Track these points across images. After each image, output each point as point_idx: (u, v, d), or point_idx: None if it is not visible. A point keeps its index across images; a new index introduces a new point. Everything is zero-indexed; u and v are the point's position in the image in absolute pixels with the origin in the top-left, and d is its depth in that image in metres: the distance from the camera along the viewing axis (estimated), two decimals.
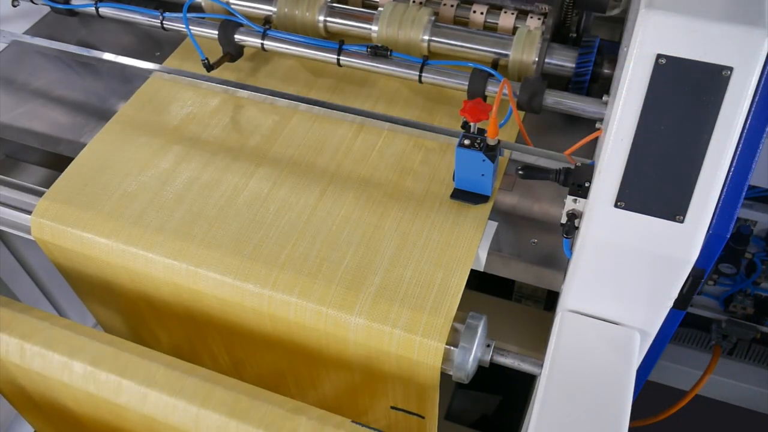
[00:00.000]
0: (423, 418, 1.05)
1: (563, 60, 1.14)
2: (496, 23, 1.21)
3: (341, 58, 1.19)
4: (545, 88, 1.09)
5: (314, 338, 0.97)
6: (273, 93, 1.20)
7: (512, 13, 1.20)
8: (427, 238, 0.99)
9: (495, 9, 1.21)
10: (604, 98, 1.06)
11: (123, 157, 1.13)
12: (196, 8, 1.32)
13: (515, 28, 1.19)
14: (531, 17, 1.18)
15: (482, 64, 1.13)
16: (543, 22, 1.16)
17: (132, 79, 1.28)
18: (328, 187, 1.07)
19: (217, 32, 1.24)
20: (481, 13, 1.21)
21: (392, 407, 1.06)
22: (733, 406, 1.95)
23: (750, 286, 1.64)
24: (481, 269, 1.00)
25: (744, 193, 0.78)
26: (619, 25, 1.24)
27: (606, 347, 0.86)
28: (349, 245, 0.99)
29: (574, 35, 1.19)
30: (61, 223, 1.05)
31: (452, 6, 1.23)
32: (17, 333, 1.01)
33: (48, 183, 1.10)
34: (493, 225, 1.01)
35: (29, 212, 1.07)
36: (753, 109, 0.72)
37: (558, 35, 1.18)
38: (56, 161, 1.20)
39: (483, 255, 0.99)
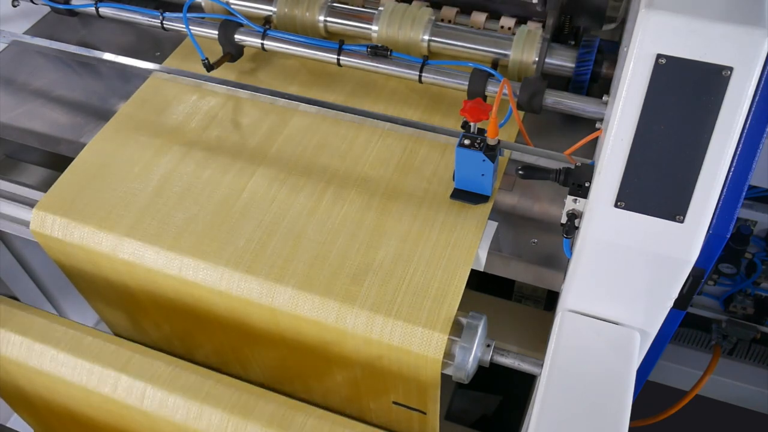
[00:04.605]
0: (425, 413, 1.05)
1: (563, 60, 1.14)
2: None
3: (341, 58, 1.19)
4: (545, 88, 1.09)
5: (316, 336, 0.97)
6: (273, 93, 1.20)
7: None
8: (427, 238, 0.99)
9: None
10: (604, 98, 1.05)
11: (123, 157, 1.13)
12: (196, 8, 1.32)
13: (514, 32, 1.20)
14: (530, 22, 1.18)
15: (482, 64, 1.13)
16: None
17: (132, 79, 1.28)
18: (329, 187, 1.07)
19: (217, 32, 1.24)
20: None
21: (394, 402, 1.06)
22: (733, 406, 1.95)
23: (750, 286, 1.64)
24: (481, 269, 1.00)
25: (744, 193, 0.78)
26: (618, 25, 1.24)
27: (606, 347, 0.86)
28: (350, 245, 0.99)
29: (573, 43, 1.18)
30: (61, 223, 1.05)
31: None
32: (17, 333, 1.01)
33: (48, 183, 1.10)
34: (493, 225, 1.01)
35: (30, 212, 1.07)
36: (753, 109, 0.72)
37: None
38: (56, 161, 1.20)
39: (483, 255, 0.99)
